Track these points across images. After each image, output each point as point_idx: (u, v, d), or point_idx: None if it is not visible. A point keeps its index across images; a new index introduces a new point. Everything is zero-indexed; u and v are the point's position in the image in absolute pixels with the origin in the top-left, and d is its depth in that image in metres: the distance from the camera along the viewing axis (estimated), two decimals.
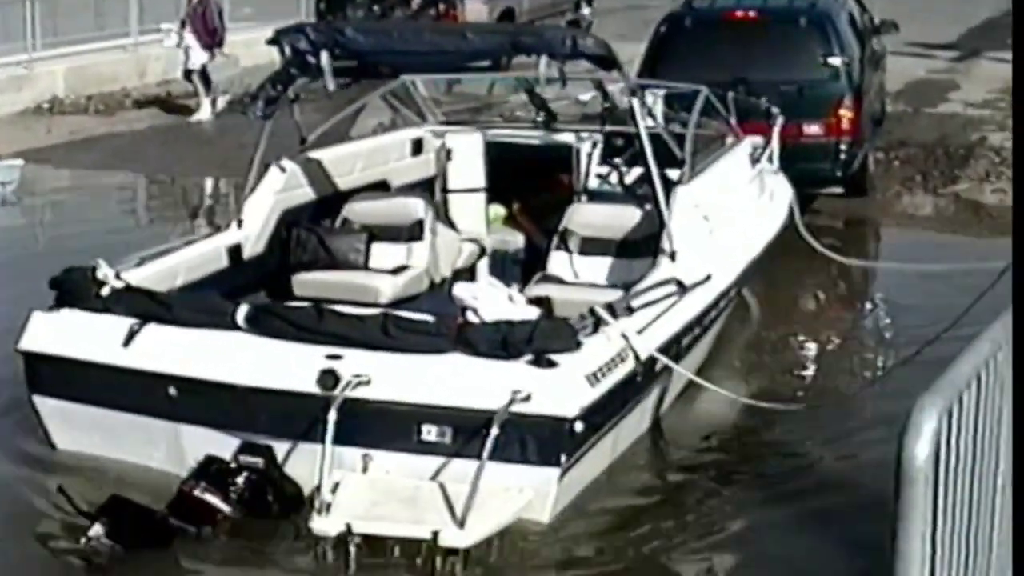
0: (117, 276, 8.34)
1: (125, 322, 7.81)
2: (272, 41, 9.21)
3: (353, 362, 7.28)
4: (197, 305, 7.89)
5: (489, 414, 6.96)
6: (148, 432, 7.78)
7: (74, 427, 8.05)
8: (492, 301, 8.03)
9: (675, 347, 8.30)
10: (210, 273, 9.16)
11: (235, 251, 9.42)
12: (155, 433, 7.76)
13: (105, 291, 7.99)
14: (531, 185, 11.10)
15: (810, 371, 10.48)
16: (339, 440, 7.12)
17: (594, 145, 10.87)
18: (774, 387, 9.49)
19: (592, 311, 7.67)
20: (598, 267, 9.61)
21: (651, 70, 13.48)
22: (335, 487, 7.10)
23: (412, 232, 10.07)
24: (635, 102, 8.93)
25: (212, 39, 18.85)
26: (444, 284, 10.15)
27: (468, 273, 10.67)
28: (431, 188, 11.17)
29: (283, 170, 9.81)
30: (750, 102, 11.85)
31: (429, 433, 7.21)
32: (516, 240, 11.11)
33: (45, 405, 8.07)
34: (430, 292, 9.83)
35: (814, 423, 8.77)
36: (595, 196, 10.72)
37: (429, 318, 7.54)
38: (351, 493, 7.08)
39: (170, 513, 7.16)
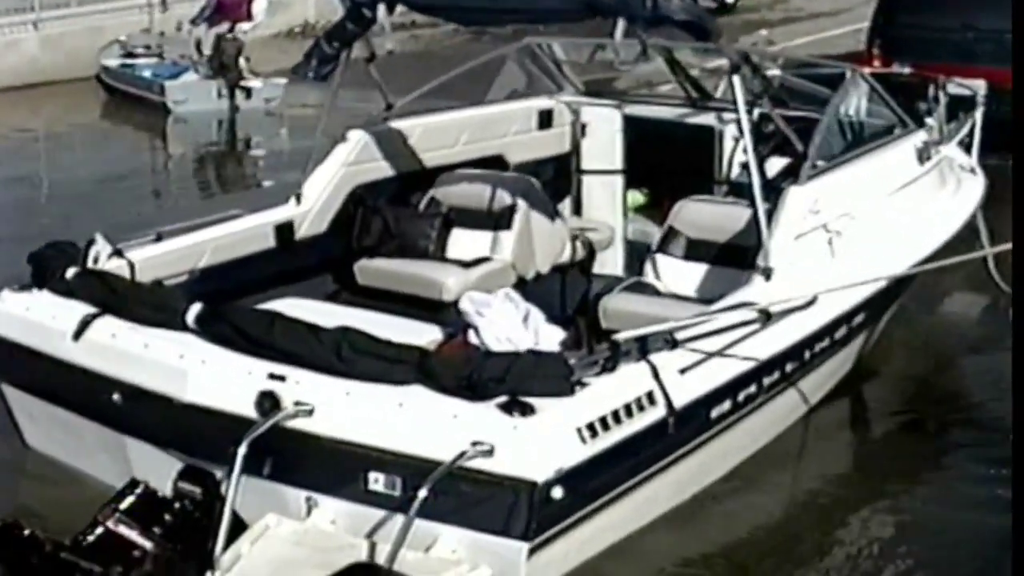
0: (118, 253, 7.33)
1: (82, 311, 6.73)
2: None
3: (296, 386, 6.00)
4: (150, 297, 6.71)
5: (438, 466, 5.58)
6: (98, 440, 6.71)
7: (39, 425, 7.09)
8: (499, 318, 6.56)
9: (740, 393, 6.65)
10: (248, 253, 8.00)
11: (286, 229, 8.22)
12: (104, 443, 6.68)
13: (70, 273, 6.93)
14: (675, 169, 9.45)
15: None
16: (279, 478, 6.03)
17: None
18: None
19: (613, 342, 6.13)
20: (698, 276, 7.97)
21: (886, 16, 14.65)
22: (263, 532, 5.90)
23: (500, 218, 8.65)
24: (735, 80, 7.29)
25: (243, 9, 17.79)
26: (539, 281, 8.71)
27: (577, 269, 9.17)
28: (563, 168, 9.72)
29: (351, 140, 8.54)
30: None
31: (376, 482, 5.87)
32: (655, 232, 9.52)
33: (12, 396, 7.13)
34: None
35: None
36: (736, 188, 9.03)
37: (396, 339, 6.13)
38: (265, 548, 5.83)
39: (73, 547, 6.01)
